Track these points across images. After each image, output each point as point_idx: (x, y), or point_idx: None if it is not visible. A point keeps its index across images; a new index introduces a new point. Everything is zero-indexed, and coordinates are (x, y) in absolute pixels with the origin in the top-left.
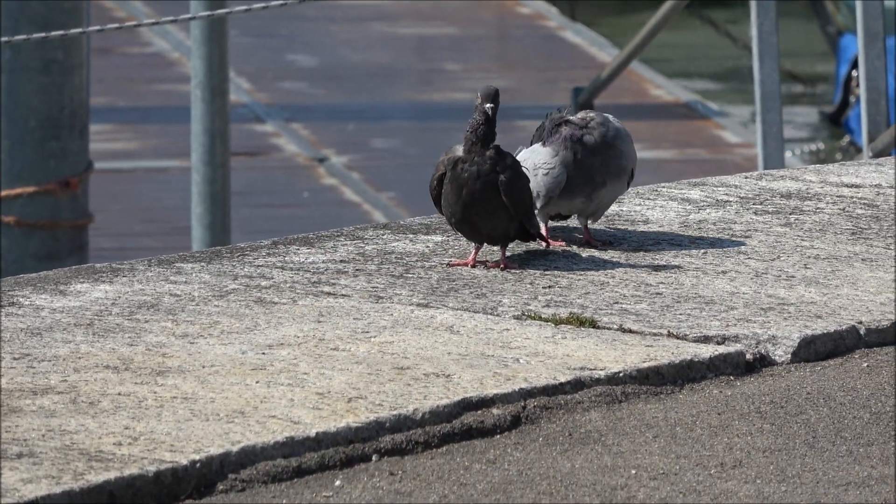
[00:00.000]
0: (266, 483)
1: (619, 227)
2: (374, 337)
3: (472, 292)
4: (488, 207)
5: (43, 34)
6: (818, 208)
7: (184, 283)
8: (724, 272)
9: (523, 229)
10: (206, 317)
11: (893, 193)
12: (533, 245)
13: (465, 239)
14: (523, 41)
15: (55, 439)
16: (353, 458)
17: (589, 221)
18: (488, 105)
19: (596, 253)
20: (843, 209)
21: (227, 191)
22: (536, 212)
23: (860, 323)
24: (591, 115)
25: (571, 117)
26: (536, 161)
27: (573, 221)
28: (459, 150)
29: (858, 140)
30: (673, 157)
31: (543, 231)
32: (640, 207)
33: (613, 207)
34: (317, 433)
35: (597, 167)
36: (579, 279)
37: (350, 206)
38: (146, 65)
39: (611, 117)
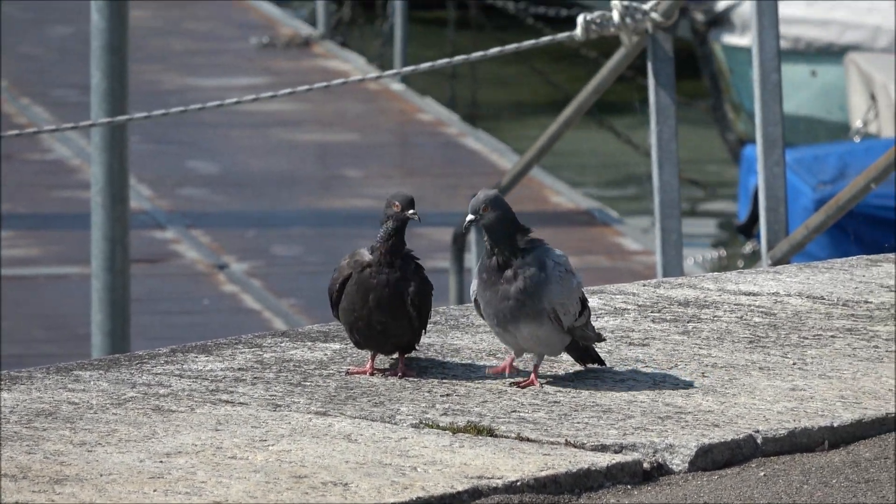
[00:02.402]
0: None
1: None
2: (272, 445)
3: (370, 400)
4: (396, 315)
5: None
6: (716, 316)
7: (82, 391)
8: (621, 380)
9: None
10: (104, 425)
11: (791, 301)
12: (420, 353)
13: (363, 346)
14: (424, 148)
15: None
16: None
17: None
18: (411, 212)
19: (494, 362)
20: (741, 317)
21: (127, 298)
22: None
23: (757, 432)
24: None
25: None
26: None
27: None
28: (366, 255)
29: None
30: (574, 265)
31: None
32: None
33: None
34: None
35: (507, 306)
36: (477, 387)
37: (250, 314)
38: (47, 171)
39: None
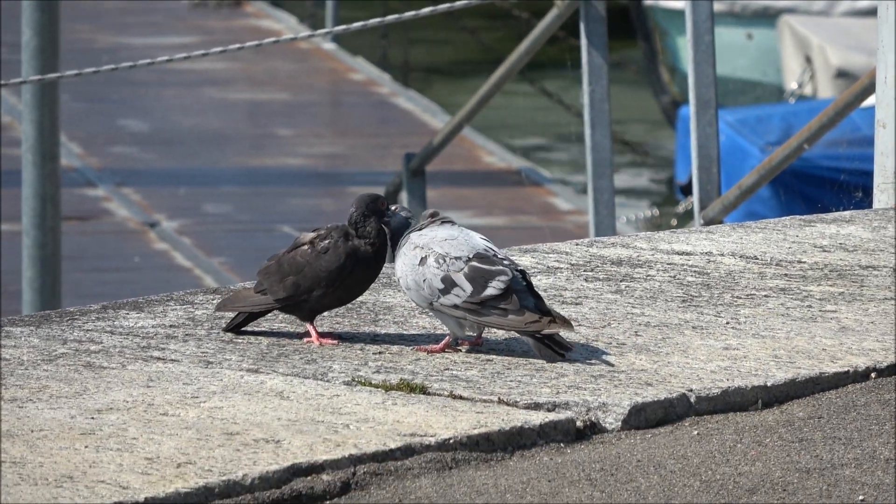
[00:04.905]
0: None
1: None
2: (204, 402)
3: (302, 358)
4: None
5: None
6: (649, 275)
7: (13, 347)
8: None
9: None
10: (35, 381)
11: (724, 261)
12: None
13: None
14: (356, 107)
15: None
16: None
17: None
18: (395, 206)
19: (427, 322)
20: (674, 276)
21: (57, 255)
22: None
23: (690, 391)
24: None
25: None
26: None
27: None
28: (357, 241)
29: None
30: (505, 224)
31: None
32: None
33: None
34: (145, 498)
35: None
36: (410, 345)
37: (181, 271)
38: None
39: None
